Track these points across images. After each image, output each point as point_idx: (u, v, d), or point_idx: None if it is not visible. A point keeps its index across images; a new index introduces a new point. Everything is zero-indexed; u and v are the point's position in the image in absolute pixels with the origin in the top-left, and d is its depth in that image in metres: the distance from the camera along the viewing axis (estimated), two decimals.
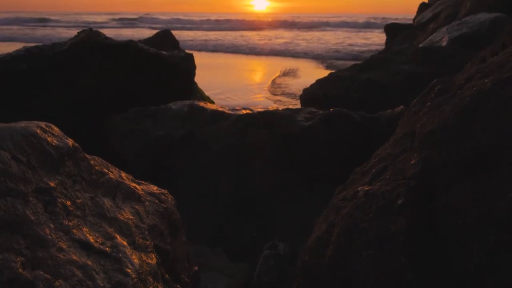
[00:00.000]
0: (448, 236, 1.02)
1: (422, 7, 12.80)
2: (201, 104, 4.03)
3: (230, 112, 3.85)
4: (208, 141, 3.76)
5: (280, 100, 9.17)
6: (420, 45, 7.81)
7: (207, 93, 6.52)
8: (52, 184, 1.22)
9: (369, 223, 1.11)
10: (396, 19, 34.25)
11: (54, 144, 1.30)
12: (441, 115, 1.24)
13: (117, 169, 1.65)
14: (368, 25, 37.10)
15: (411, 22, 14.01)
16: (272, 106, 8.64)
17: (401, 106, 3.61)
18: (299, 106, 6.78)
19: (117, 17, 52.00)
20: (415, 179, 1.12)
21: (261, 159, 3.59)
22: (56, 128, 1.37)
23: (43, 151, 1.25)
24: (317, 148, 3.55)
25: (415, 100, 1.50)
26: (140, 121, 4.06)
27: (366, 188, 1.20)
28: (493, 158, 1.04)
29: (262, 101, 9.03)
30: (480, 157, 1.06)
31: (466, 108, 1.17)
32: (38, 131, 1.27)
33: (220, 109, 3.98)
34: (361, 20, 48.13)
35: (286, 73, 13.17)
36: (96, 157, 1.58)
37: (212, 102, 6.24)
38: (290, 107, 8.10)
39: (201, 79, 6.13)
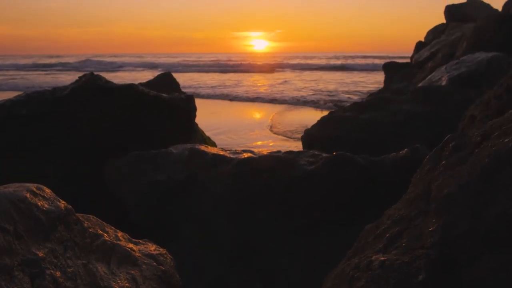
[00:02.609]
0: None
1: (419, 46, 13.06)
2: (202, 148, 3.97)
3: (231, 156, 3.78)
4: (208, 185, 3.68)
5: (280, 139, 9.16)
6: (420, 84, 7.88)
7: (207, 133, 6.49)
8: (40, 254, 1.13)
9: None
10: (393, 57, 35.05)
11: (45, 208, 1.22)
12: (458, 176, 1.16)
13: (113, 228, 1.56)
14: (364, 67, 37.74)
15: (408, 60, 14.25)
16: (273, 142, 8.64)
17: (406, 149, 3.54)
18: (299, 144, 6.76)
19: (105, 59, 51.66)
20: (434, 249, 1.04)
21: (263, 204, 3.50)
22: (47, 190, 1.30)
23: (32, 217, 1.17)
24: (320, 193, 3.47)
25: (427, 157, 1.43)
26: (140, 165, 3.99)
27: (382, 259, 1.11)
28: None
29: (263, 140, 9.01)
30: (506, 227, 0.98)
31: (486, 170, 1.10)
32: (28, 195, 1.19)
33: (221, 152, 3.91)
34: (355, 59, 49.24)
35: (286, 113, 13.27)
36: (91, 216, 1.49)
37: (213, 142, 6.19)
38: (290, 145, 8.07)
39: (201, 119, 6.13)
